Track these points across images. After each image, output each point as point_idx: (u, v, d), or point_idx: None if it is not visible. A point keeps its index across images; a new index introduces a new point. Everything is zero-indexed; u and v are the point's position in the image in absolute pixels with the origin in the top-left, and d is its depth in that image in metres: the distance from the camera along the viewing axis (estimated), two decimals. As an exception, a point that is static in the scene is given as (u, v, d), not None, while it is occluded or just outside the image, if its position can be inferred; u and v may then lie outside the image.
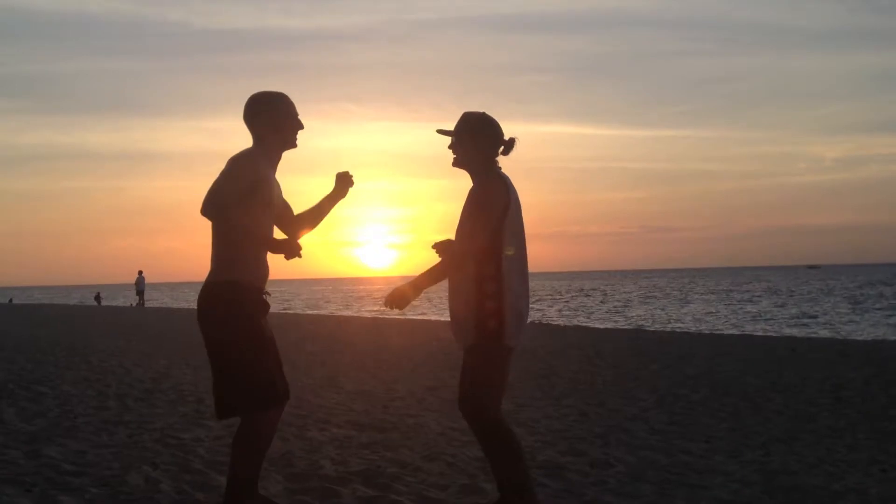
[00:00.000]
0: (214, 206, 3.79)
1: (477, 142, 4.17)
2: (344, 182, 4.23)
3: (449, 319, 4.22)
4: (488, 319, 3.98)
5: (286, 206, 4.18)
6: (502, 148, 4.21)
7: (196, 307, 4.00)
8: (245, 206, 3.84)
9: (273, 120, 3.98)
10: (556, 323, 28.39)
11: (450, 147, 4.24)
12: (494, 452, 4.04)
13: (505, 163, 4.26)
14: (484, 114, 4.24)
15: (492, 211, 4.02)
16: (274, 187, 3.99)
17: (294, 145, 4.06)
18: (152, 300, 58.25)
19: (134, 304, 44.18)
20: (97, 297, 54.50)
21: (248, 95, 4.09)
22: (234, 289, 3.87)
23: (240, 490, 3.89)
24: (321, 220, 4.26)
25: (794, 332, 25.31)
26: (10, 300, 62.12)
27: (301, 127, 4.06)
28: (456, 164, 4.23)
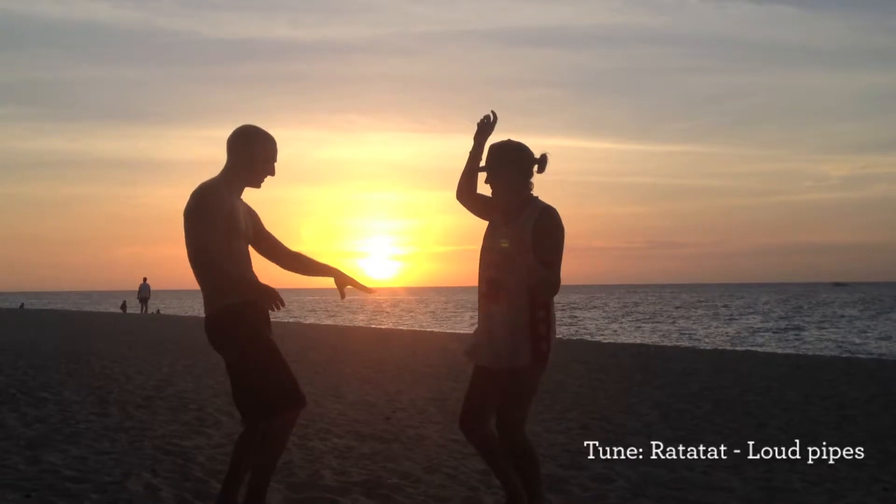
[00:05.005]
0: (201, 264, 3.94)
1: (518, 170, 4.13)
2: (346, 286, 4.35)
3: (487, 341, 4.12)
4: (541, 342, 4.05)
5: (268, 236, 4.26)
6: (536, 167, 4.19)
7: (207, 338, 4.08)
8: (226, 243, 3.95)
9: (256, 156, 4.06)
10: (559, 336, 28.50)
11: (486, 182, 4.20)
12: (525, 469, 4.14)
13: None
14: (511, 142, 4.18)
15: (563, 239, 4.08)
16: (240, 215, 4.05)
17: (258, 186, 4.14)
18: (164, 307, 57.79)
19: (144, 312, 44.10)
20: (123, 306, 53.41)
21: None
22: (234, 312, 3.97)
23: (259, 498, 3.97)
24: (314, 275, 4.38)
25: (805, 348, 25.24)
26: (22, 305, 62.38)
27: (273, 173, 4.16)
28: (497, 197, 4.17)
